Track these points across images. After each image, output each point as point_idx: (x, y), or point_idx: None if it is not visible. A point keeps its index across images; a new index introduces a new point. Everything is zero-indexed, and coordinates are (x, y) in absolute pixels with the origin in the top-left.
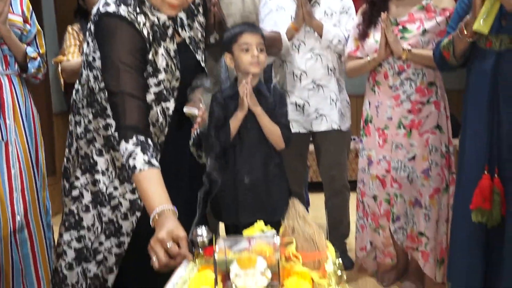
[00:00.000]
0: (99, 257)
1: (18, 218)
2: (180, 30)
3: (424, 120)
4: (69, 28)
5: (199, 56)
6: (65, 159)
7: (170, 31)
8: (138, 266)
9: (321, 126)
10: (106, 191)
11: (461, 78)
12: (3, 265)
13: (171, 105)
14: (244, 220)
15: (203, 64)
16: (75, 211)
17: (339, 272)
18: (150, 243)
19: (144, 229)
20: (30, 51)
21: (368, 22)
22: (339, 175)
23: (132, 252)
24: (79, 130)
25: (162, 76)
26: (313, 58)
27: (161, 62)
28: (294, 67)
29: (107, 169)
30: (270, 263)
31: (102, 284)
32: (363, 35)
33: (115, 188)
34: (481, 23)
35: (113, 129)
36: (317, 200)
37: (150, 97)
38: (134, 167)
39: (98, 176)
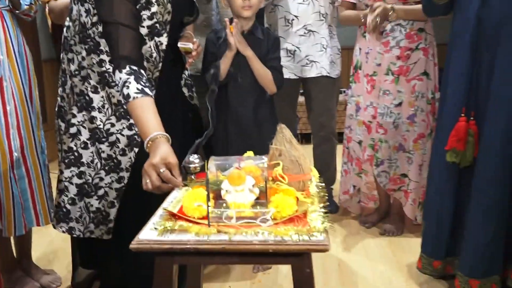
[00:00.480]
0: (100, 192)
1: (15, 154)
2: None
3: (412, 66)
4: None
5: None
6: (59, 98)
7: None
8: (138, 201)
9: (311, 72)
10: (103, 128)
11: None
12: (4, 200)
13: (164, 39)
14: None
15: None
16: (74, 148)
17: (321, 193)
18: (144, 167)
19: (143, 165)
20: None
21: None
22: (327, 122)
23: (132, 187)
24: (73, 67)
25: (154, 8)
26: (305, 3)
27: None
28: (286, 12)
29: (103, 106)
30: (258, 183)
31: (105, 217)
32: None
33: (112, 125)
34: None
35: (107, 66)
36: (305, 150)
37: (144, 30)
38: (128, 95)
39: (95, 113)
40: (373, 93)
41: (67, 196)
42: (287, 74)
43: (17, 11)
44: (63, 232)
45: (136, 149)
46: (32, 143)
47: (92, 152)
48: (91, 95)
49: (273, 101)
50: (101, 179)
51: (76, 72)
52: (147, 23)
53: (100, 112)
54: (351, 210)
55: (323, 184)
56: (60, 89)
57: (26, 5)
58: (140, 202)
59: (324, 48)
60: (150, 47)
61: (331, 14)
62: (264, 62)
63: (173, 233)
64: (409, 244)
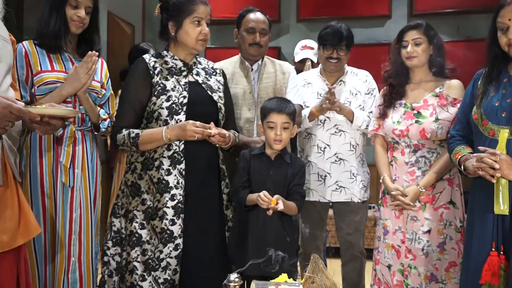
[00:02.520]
0: (163, 263)
1: (72, 259)
2: (194, 74)
3: (438, 195)
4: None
5: (213, 95)
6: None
7: (184, 72)
8: (195, 263)
9: (340, 196)
10: (152, 205)
11: None
12: None
13: (182, 117)
14: (250, 273)
15: (215, 99)
16: (134, 230)
17: None
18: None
19: (191, 227)
20: (102, 113)
21: (387, 103)
22: (356, 241)
23: (188, 251)
24: (126, 166)
25: (170, 93)
26: (337, 134)
27: (170, 85)
28: (318, 140)
29: (149, 188)
30: None
31: (172, 285)
32: (382, 115)
33: (158, 201)
34: (502, 207)
35: (146, 153)
36: (334, 265)
37: (164, 112)
38: (137, 134)
39: (144, 196)
40: (401, 218)
41: (137, 274)
42: (316, 197)
43: (96, 133)
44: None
45: (182, 215)
46: (90, 249)
47: (148, 230)
48: (138, 181)
49: (292, 220)
50: (161, 251)
51: (127, 168)
52: (165, 104)
53: (148, 193)
54: None
55: None
56: (119, 191)
57: (104, 128)
58: (196, 265)
59: (354, 176)
60: (175, 175)
61: (361, 144)
62: (288, 186)
63: None
64: None
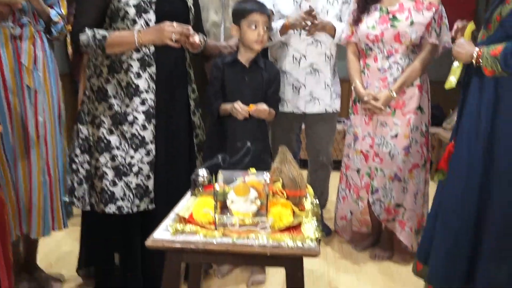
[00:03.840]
0: (135, 169)
1: (41, 161)
2: None
3: (408, 101)
4: None
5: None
6: (80, 104)
7: None
8: (166, 169)
9: (314, 108)
10: (121, 110)
11: (444, 69)
12: (37, 202)
13: (152, 16)
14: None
15: (189, 4)
16: (102, 136)
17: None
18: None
19: (161, 133)
20: (54, 14)
21: (361, 9)
22: (325, 150)
23: (159, 157)
24: (91, 71)
25: None
26: (314, 44)
27: None
28: (294, 50)
29: (116, 92)
30: (260, 196)
31: (145, 190)
32: (356, 21)
33: (127, 106)
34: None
35: (112, 57)
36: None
37: (131, 10)
38: (103, 37)
39: (111, 101)
40: (370, 124)
41: (107, 180)
42: (290, 108)
43: (49, 36)
44: (114, 212)
45: (154, 121)
46: (56, 151)
47: (117, 136)
48: (105, 86)
49: (267, 126)
50: (132, 157)
51: (91, 73)
52: (132, 2)
53: (115, 98)
54: (343, 235)
55: (317, 201)
56: (84, 97)
57: (56, 31)
58: (170, 171)
59: (328, 87)
60: (141, 25)
61: (335, 55)
62: (266, 92)
63: (183, 235)
64: (398, 271)
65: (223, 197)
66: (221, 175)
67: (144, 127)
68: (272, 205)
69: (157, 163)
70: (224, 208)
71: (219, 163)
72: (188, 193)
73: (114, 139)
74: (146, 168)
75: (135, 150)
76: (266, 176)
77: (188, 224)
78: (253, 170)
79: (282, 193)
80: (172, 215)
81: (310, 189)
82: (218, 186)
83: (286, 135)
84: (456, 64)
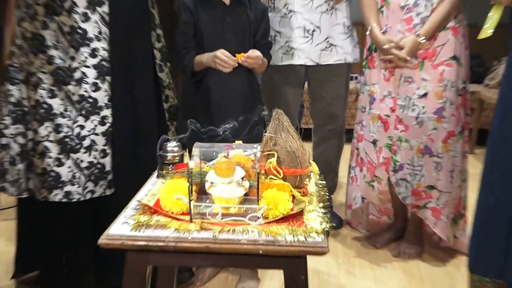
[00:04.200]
0: (86, 142)
1: None
2: None
3: (439, 49)
4: None
5: None
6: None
7: None
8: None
9: (330, 57)
10: (64, 65)
11: (482, 11)
12: None
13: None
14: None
15: None
16: (41, 100)
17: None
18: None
19: (119, 95)
20: None
21: None
22: (338, 111)
23: (117, 126)
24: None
25: None
26: None
27: None
28: None
29: (57, 41)
30: (248, 176)
31: (101, 170)
32: None
33: (73, 58)
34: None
35: None
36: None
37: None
38: None
39: (51, 52)
40: (392, 80)
41: (51, 157)
42: (303, 59)
43: None
44: (60, 200)
45: (109, 78)
46: None
47: (62, 99)
48: (42, 32)
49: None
50: (82, 127)
51: (23, 14)
52: None
53: (56, 48)
54: (357, 227)
55: (324, 182)
56: (13, 47)
57: None
58: (133, 145)
59: (348, 30)
60: (96, 21)
61: None
62: (254, 36)
63: (148, 229)
64: (429, 272)
65: (200, 178)
66: (197, 149)
67: (96, 87)
68: (264, 188)
69: (115, 134)
70: (201, 193)
71: (195, 133)
72: (154, 174)
73: (57, 104)
74: (101, 141)
75: (86, 117)
76: (257, 149)
77: (155, 215)
78: (238, 141)
79: (278, 172)
80: (133, 204)
81: (314, 166)
82: (193, 164)
83: (287, 96)
84: (494, 10)
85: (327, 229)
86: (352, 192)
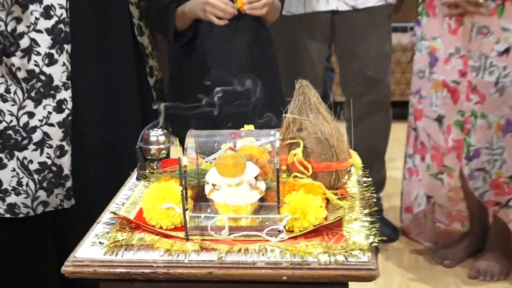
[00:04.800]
0: (36, 135)
1: None
2: None
3: None
4: None
5: None
6: None
7: None
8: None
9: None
10: (6, 30)
11: None
12: None
13: None
14: None
15: None
16: None
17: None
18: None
19: (83, 70)
20: None
21: None
22: (382, 76)
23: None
24: None
25: None
26: None
27: None
28: None
29: None
30: (264, 174)
31: (57, 174)
32: None
33: (18, 20)
34: None
35: None
36: None
37: None
38: None
39: None
40: (460, 33)
41: None
42: (332, 3)
43: None
44: (2, 216)
45: (68, 47)
46: None
47: (2, 76)
48: None
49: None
50: (31, 114)
51: None
52: None
53: None
54: (418, 238)
55: (370, 179)
56: None
57: None
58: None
59: None
60: None
61: None
62: None
63: (129, 251)
64: None
65: (198, 179)
66: (191, 139)
67: (50, 59)
68: (288, 190)
69: (78, 124)
70: (200, 199)
71: (190, 116)
72: (133, 175)
73: None
74: (57, 134)
75: (37, 101)
76: (275, 137)
77: (137, 232)
78: (249, 127)
79: (306, 168)
80: (105, 217)
81: (356, 158)
82: (186, 160)
83: (310, 57)
84: None
85: (376, 244)
86: (412, 190)
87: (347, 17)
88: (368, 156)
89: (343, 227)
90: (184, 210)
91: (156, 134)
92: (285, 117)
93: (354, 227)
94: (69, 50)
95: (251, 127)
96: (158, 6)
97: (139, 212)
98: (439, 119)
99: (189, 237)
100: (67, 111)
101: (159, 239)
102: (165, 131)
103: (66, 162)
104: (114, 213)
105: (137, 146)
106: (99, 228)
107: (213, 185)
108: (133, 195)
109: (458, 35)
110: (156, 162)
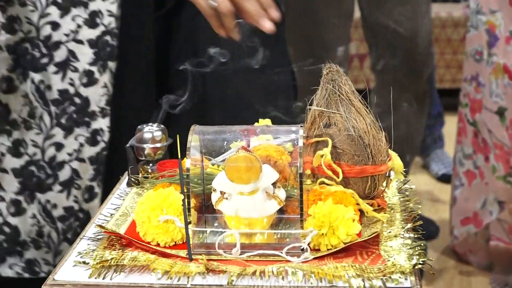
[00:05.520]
0: (64, 173)
1: None
2: None
3: None
4: None
5: None
6: None
7: None
8: None
9: None
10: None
11: None
12: None
13: None
14: None
15: None
16: None
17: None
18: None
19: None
20: None
21: None
22: (419, 53)
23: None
24: None
25: None
26: None
27: None
28: None
29: None
30: (284, 179)
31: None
32: None
33: (54, 25)
34: None
35: None
36: None
37: None
38: None
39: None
40: None
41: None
42: None
43: None
44: (19, 276)
45: (112, 65)
46: None
47: (24, 94)
48: None
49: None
50: (59, 145)
51: None
52: None
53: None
54: (468, 258)
55: (413, 186)
56: None
57: None
58: None
59: None
60: None
61: None
62: None
63: (120, 272)
64: None
65: (203, 186)
66: (195, 136)
67: (89, 78)
68: (313, 199)
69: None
70: (206, 210)
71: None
72: (124, 180)
73: (15, 102)
74: (88, 172)
75: (68, 130)
76: (297, 134)
77: (129, 250)
78: (264, 121)
79: (335, 173)
80: (90, 231)
81: (396, 160)
82: (189, 162)
83: (332, 33)
84: None
85: (420, 266)
86: (475, 197)
87: None
88: (402, 148)
89: (381, 245)
90: (187, 223)
91: (151, 130)
92: (309, 109)
93: (394, 245)
94: (113, 69)
95: (268, 121)
96: None
97: (131, 225)
98: (501, 112)
99: (193, 257)
100: (102, 144)
101: (156, 259)
102: (162, 126)
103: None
104: (100, 226)
105: (127, 145)
106: (82, 245)
107: (222, 193)
108: (124, 205)
109: None
110: (151, 164)
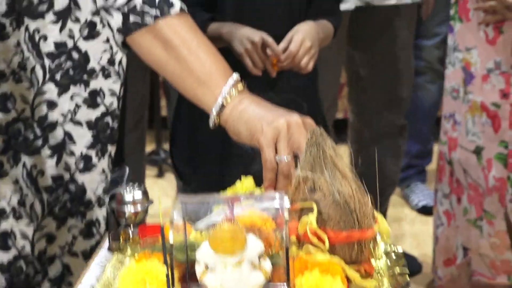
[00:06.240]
0: (56, 134)
1: None
2: None
3: None
4: None
5: None
6: None
7: None
8: None
9: None
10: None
11: None
12: None
13: None
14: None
15: None
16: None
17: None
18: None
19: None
20: None
21: None
22: (404, 91)
23: None
24: None
25: None
26: None
27: None
28: None
29: None
30: (269, 249)
31: (76, 196)
32: None
33: None
34: None
35: None
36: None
37: None
38: None
39: None
40: (500, 41)
41: None
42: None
43: None
44: None
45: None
46: None
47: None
48: None
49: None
50: (52, 104)
51: None
52: None
53: None
54: None
55: (400, 248)
56: None
57: None
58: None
59: None
60: None
61: None
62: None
63: None
64: None
65: (186, 254)
66: (178, 204)
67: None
68: (299, 269)
69: None
70: (189, 278)
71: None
72: (105, 245)
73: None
74: (84, 138)
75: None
76: (282, 200)
77: None
78: (246, 183)
79: (321, 240)
80: None
81: (382, 223)
82: (172, 232)
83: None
84: None
85: None
86: (448, 239)
87: (365, 17)
88: (382, 187)
89: None
90: None
91: (131, 191)
92: (296, 174)
93: None
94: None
95: (250, 180)
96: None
97: None
98: (477, 151)
99: None
100: (102, 108)
101: None
102: (142, 185)
103: (90, 181)
104: None
105: (107, 207)
106: None
107: (206, 265)
108: (106, 274)
109: (497, 45)
110: (132, 227)
